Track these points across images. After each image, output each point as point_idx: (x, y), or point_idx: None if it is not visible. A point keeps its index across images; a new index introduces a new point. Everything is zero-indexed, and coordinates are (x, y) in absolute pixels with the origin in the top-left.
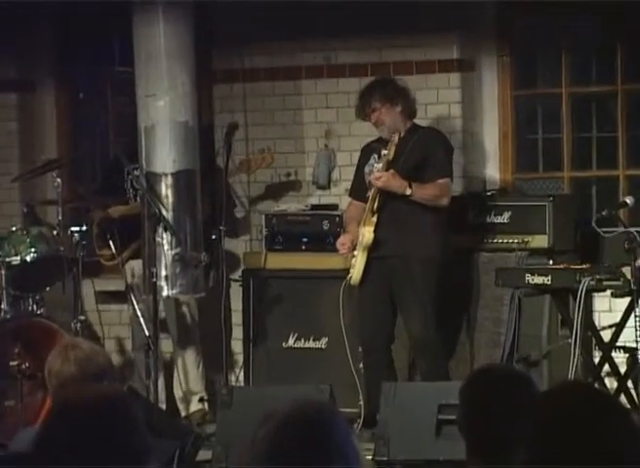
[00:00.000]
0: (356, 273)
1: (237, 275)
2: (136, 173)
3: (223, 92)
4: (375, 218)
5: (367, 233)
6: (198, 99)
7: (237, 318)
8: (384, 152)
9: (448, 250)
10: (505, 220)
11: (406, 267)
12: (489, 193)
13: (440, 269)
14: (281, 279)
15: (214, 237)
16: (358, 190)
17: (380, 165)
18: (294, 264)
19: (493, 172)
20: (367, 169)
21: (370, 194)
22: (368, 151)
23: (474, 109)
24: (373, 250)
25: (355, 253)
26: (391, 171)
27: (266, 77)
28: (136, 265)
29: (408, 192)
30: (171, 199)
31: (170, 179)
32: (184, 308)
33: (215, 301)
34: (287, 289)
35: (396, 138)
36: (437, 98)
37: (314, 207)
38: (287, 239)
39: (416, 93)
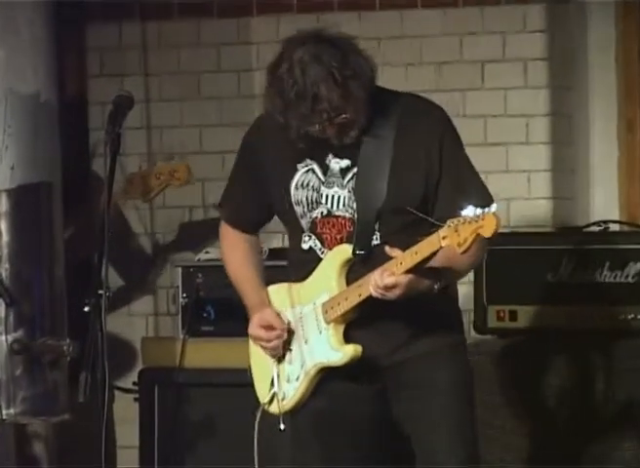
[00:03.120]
0: (296, 398)
1: (130, 380)
2: None
3: (105, 38)
4: (354, 314)
5: (345, 347)
6: (58, 53)
7: (128, 460)
8: (399, 260)
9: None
10: (631, 279)
11: (422, 370)
12: (598, 228)
13: None
14: (211, 388)
15: (87, 309)
16: (246, 214)
17: (393, 268)
18: (235, 361)
19: (606, 191)
20: (302, 194)
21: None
22: (283, 148)
23: (572, 75)
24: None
25: (291, 360)
26: (409, 276)
27: (185, 11)
28: None
29: (437, 286)
30: (6, 238)
31: (4, 202)
32: (34, 444)
33: (88, 430)
34: (222, 406)
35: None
36: (502, 53)
37: (273, 253)
38: (223, 313)
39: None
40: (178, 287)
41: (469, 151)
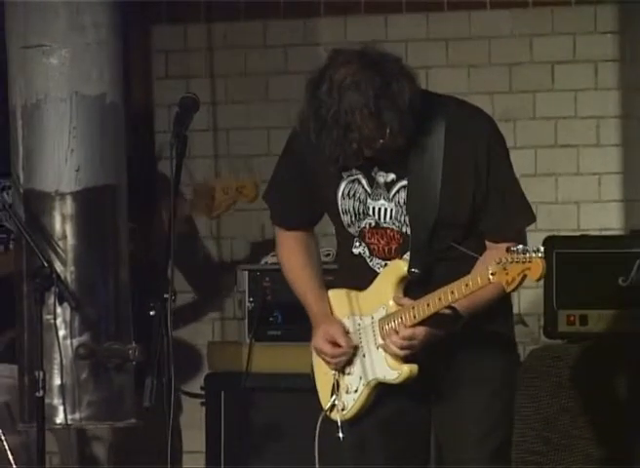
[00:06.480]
0: (355, 409)
1: (197, 385)
2: (5, 193)
3: (172, 40)
4: None
5: (401, 367)
6: (124, 55)
7: (194, 465)
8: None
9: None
10: None
11: (474, 389)
12: None
13: None
14: (278, 393)
15: (152, 313)
16: (297, 213)
17: (406, 319)
18: (301, 365)
19: None
20: (349, 204)
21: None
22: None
23: None
24: None
25: (351, 371)
26: (421, 330)
27: (251, 12)
28: (4, 370)
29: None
30: (71, 241)
31: (70, 205)
32: (97, 449)
33: (154, 435)
34: (289, 411)
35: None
36: (573, 54)
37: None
38: (290, 317)
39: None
40: (244, 291)
41: (540, 153)
